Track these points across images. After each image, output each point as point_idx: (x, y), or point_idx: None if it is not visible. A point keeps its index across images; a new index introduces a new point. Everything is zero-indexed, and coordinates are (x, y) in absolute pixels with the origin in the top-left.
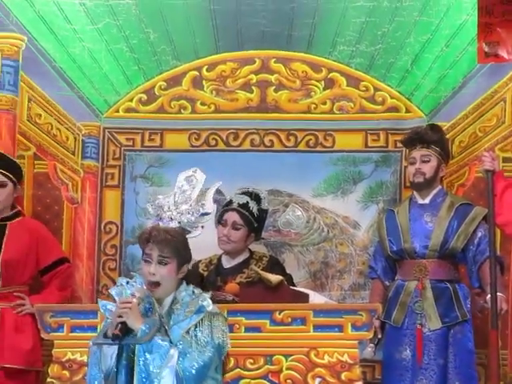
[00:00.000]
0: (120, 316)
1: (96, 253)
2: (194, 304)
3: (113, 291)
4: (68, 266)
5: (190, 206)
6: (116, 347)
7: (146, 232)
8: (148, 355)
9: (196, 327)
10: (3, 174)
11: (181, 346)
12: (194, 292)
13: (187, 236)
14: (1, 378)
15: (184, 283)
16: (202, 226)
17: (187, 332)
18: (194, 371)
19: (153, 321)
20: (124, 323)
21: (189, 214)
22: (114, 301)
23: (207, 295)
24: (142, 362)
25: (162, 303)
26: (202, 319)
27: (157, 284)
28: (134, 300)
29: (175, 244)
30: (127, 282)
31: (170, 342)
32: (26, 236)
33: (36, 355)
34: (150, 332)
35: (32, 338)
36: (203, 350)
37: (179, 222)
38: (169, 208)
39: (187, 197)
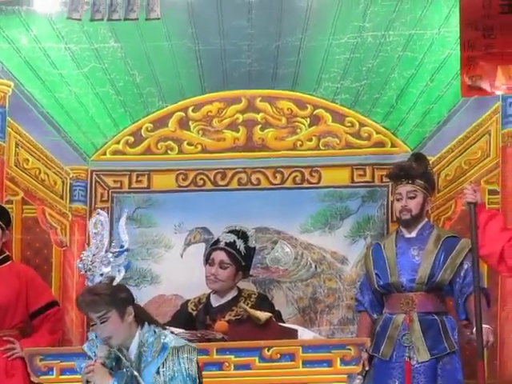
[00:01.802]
0: (88, 381)
1: None
2: (158, 343)
3: (85, 347)
4: (58, 309)
5: (105, 252)
6: None
7: (76, 303)
8: None
9: (163, 366)
10: None
11: None
12: (155, 332)
13: (115, 281)
14: None
15: (146, 324)
16: (126, 266)
17: (157, 372)
18: None
19: (121, 374)
20: None
21: (104, 263)
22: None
23: (167, 332)
24: None
25: (129, 349)
26: (167, 356)
27: (109, 338)
28: (98, 361)
29: (104, 299)
30: (96, 336)
31: None
32: (15, 280)
33: None
34: None
35: (23, 381)
36: None
37: (101, 275)
38: (88, 264)
39: (101, 242)
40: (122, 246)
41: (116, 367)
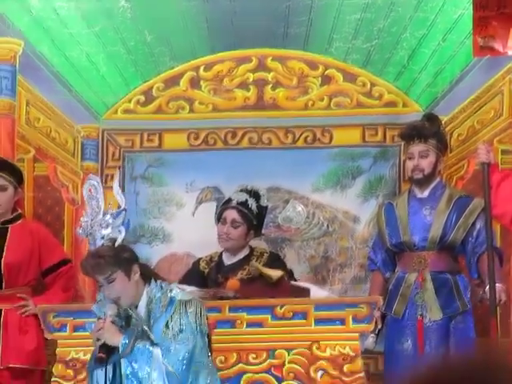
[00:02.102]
0: (98, 339)
1: None
2: (165, 298)
3: (94, 308)
4: (70, 267)
5: (103, 214)
6: (109, 369)
7: (81, 267)
8: (134, 364)
9: (172, 319)
10: (3, 178)
11: (163, 344)
12: (162, 287)
13: (117, 242)
14: (6, 378)
15: (153, 280)
16: (126, 225)
17: (166, 326)
18: (182, 363)
19: (131, 331)
20: (105, 344)
21: (103, 226)
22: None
23: (173, 285)
24: (129, 373)
25: (138, 307)
26: (175, 309)
27: (118, 298)
28: (108, 319)
29: (109, 260)
30: (104, 297)
31: (152, 342)
32: (28, 238)
33: (40, 355)
34: (130, 343)
35: (36, 338)
36: (184, 339)
37: (102, 237)
38: (88, 229)
39: (97, 206)
40: (119, 207)
41: (126, 326)
